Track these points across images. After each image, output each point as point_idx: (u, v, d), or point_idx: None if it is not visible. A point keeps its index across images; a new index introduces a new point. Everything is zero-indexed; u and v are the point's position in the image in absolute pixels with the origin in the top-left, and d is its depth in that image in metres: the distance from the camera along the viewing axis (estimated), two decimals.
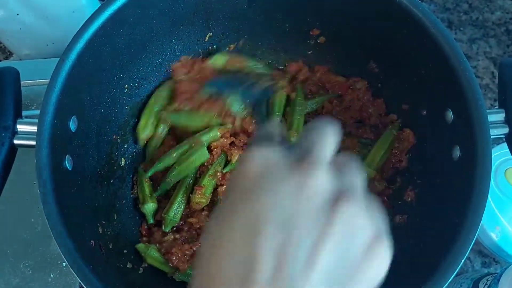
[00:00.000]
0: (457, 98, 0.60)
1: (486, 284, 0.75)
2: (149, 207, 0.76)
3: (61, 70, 0.59)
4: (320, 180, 0.31)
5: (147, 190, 0.77)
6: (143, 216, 0.77)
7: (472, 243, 0.53)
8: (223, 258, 0.30)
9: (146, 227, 0.77)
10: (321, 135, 0.35)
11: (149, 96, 0.81)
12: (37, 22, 0.95)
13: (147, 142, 0.81)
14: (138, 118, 0.81)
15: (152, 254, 0.71)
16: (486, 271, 0.86)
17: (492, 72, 1.06)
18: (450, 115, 0.63)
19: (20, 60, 1.07)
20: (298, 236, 0.29)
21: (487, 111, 0.58)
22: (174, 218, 0.75)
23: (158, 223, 0.77)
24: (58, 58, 0.96)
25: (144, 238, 0.76)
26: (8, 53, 1.12)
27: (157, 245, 0.72)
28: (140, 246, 0.73)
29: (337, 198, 0.31)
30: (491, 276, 0.75)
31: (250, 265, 0.29)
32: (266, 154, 0.34)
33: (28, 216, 0.83)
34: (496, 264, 0.87)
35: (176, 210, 0.75)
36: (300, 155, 0.33)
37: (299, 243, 0.29)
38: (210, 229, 0.33)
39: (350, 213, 0.31)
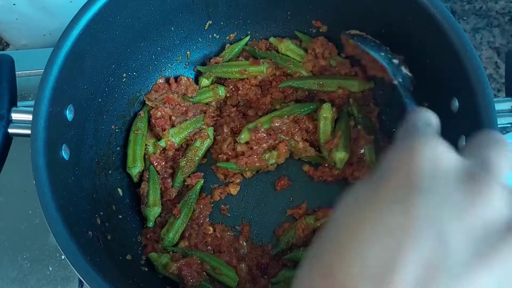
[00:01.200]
0: (463, 87, 0.59)
1: None
2: (155, 211, 0.74)
3: (56, 57, 0.58)
4: (497, 203, 0.28)
5: (158, 192, 0.75)
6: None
7: None
8: (362, 251, 0.27)
9: (148, 236, 0.74)
10: (499, 152, 0.32)
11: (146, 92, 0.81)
12: (34, 12, 0.94)
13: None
14: (135, 114, 0.80)
15: (164, 262, 0.69)
16: None
17: (496, 62, 1.05)
18: (455, 104, 0.62)
19: (17, 50, 1.06)
20: (455, 255, 0.26)
21: (494, 99, 0.56)
22: (172, 240, 0.73)
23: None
24: (45, 49, 0.97)
25: (149, 245, 0.73)
26: (5, 44, 1.11)
27: (170, 253, 0.71)
28: (153, 255, 0.70)
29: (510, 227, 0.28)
30: None
31: (393, 267, 0.26)
32: (439, 152, 0.31)
33: (26, 208, 0.82)
34: None
35: (175, 231, 0.73)
36: (472, 167, 0.30)
37: (453, 262, 0.26)
38: (349, 211, 0.30)
39: None
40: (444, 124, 0.65)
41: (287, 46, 0.83)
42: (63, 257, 0.80)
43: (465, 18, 1.09)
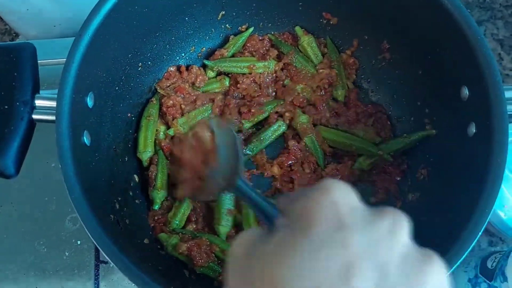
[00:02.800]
0: (474, 75, 0.61)
1: (494, 261, 0.76)
2: (161, 194, 0.76)
3: (79, 45, 0.59)
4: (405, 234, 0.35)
5: (166, 176, 0.77)
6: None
7: (490, 216, 0.54)
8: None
9: (155, 218, 0.76)
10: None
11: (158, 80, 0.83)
12: (45, 3, 0.95)
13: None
14: (147, 101, 0.81)
15: (173, 243, 0.71)
16: (492, 250, 0.87)
17: (499, 54, 1.07)
18: (465, 92, 0.63)
19: (27, 40, 1.07)
20: (395, 280, 0.31)
21: (504, 87, 0.58)
22: (179, 224, 0.74)
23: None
24: (66, 39, 0.98)
25: (157, 226, 0.75)
26: (14, 34, 1.12)
27: (180, 234, 0.72)
28: (162, 236, 0.72)
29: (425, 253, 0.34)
30: (499, 254, 0.76)
31: None
32: (349, 191, 0.36)
33: (41, 195, 0.84)
34: (502, 243, 0.88)
35: (181, 215, 0.74)
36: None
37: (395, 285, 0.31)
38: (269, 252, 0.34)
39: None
40: (454, 111, 0.67)
41: (309, 42, 0.85)
42: (79, 242, 0.82)
43: (469, 10, 1.10)
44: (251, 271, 0.34)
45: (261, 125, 0.83)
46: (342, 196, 0.35)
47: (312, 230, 0.33)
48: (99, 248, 0.52)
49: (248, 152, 0.80)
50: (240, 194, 0.51)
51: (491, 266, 0.76)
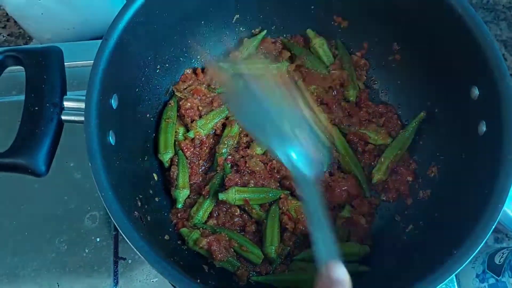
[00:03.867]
0: (484, 75, 0.63)
1: (502, 257, 0.78)
2: (184, 193, 0.78)
3: (105, 48, 0.62)
4: None
5: (187, 175, 0.79)
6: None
7: (501, 212, 0.56)
8: None
9: (178, 215, 0.78)
10: None
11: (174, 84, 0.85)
12: (59, 7, 0.97)
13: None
14: (165, 103, 0.84)
15: (194, 237, 0.73)
16: (499, 246, 0.89)
17: (503, 55, 1.09)
18: (475, 91, 0.66)
19: (41, 44, 1.09)
20: None
21: None
22: (202, 219, 0.76)
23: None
24: (82, 42, 1.00)
25: (179, 222, 0.77)
26: (28, 38, 1.14)
27: (200, 230, 0.75)
28: (184, 231, 0.75)
29: None
30: (507, 250, 0.78)
31: None
32: None
33: (61, 194, 0.86)
34: (508, 240, 0.90)
35: (204, 210, 0.77)
36: None
37: None
38: None
39: None
40: (464, 111, 0.70)
41: (321, 44, 0.88)
42: (98, 239, 0.84)
43: None
44: None
45: None
46: None
47: None
48: (129, 242, 0.54)
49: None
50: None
51: (499, 262, 0.78)
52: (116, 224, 0.54)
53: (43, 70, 0.60)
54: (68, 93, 0.64)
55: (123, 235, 0.54)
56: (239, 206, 0.79)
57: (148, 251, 0.54)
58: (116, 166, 0.64)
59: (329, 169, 0.81)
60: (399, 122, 0.84)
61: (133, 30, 0.66)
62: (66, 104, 0.62)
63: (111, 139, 0.63)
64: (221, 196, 0.75)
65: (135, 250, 0.54)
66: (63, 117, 0.61)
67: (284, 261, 0.76)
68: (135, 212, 0.64)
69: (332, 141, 0.82)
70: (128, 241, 0.54)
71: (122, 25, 0.64)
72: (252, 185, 0.77)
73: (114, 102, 0.65)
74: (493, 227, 0.55)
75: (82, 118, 0.59)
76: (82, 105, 0.60)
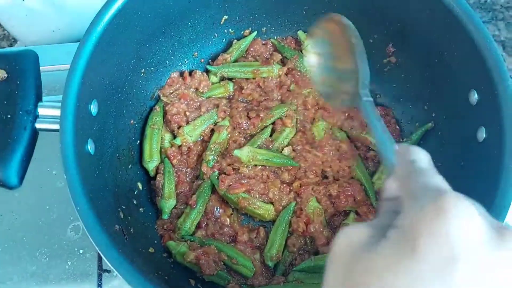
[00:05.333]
0: (483, 79, 0.60)
1: None
2: (170, 203, 0.75)
3: (83, 51, 0.58)
4: None
5: (173, 184, 0.76)
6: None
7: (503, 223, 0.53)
8: None
9: (164, 226, 0.75)
10: None
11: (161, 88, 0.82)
12: (43, 8, 0.94)
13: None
14: (150, 108, 0.80)
15: (182, 251, 0.70)
16: None
17: (502, 56, 1.06)
18: (474, 96, 0.63)
19: (26, 46, 1.06)
20: None
21: None
22: (189, 230, 0.73)
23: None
24: (66, 44, 0.97)
25: (165, 234, 0.74)
26: (12, 40, 1.10)
27: (188, 242, 0.71)
28: (171, 244, 0.71)
29: None
30: None
31: None
32: (473, 215, 0.31)
33: (43, 204, 0.82)
34: None
35: (192, 221, 0.73)
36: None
37: None
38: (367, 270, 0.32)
39: None
40: (463, 116, 0.67)
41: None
42: (81, 251, 0.80)
43: None
44: (353, 275, 0.33)
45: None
46: (460, 227, 0.30)
47: (420, 256, 0.30)
48: (105, 258, 0.50)
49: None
50: (365, 113, 0.49)
51: None
52: (92, 240, 0.51)
53: (16, 75, 0.57)
54: (48, 97, 0.60)
55: (99, 252, 0.51)
56: (228, 216, 0.75)
57: (127, 269, 0.51)
58: (96, 176, 0.61)
59: None
60: (397, 127, 0.80)
61: (113, 32, 0.63)
62: (41, 111, 0.58)
63: (90, 148, 0.60)
64: (236, 152, 0.74)
65: (112, 268, 0.50)
66: (37, 126, 0.57)
67: (284, 272, 0.73)
68: (116, 225, 0.60)
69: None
70: (104, 258, 0.50)
71: (101, 27, 0.61)
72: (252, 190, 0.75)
73: (93, 109, 0.62)
74: None
75: (58, 126, 0.55)
76: (57, 112, 0.56)
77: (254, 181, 0.75)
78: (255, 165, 0.77)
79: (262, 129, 0.81)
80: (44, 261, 0.80)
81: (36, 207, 0.82)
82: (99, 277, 0.79)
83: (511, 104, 0.57)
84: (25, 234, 0.81)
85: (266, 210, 0.74)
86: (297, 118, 0.81)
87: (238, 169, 0.76)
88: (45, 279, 0.78)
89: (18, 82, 0.57)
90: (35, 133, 0.58)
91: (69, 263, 0.79)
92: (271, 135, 0.81)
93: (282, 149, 0.79)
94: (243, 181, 0.74)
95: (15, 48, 1.05)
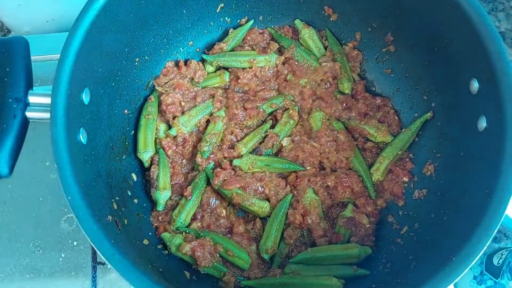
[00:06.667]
0: (484, 67, 0.59)
1: (501, 258, 0.74)
2: (165, 194, 0.74)
3: (73, 39, 0.57)
4: None
5: (168, 175, 0.75)
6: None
7: (504, 215, 0.52)
8: None
9: (159, 218, 0.74)
10: None
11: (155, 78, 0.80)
12: None
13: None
14: (145, 98, 0.79)
15: (177, 243, 0.69)
16: (497, 246, 0.86)
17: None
18: (475, 84, 0.61)
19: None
20: None
21: None
22: (184, 222, 0.72)
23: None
24: (60, 33, 0.96)
25: (160, 226, 0.73)
26: (6, 30, 1.09)
27: (183, 234, 0.70)
28: (165, 235, 0.70)
29: None
30: (506, 250, 0.75)
31: None
32: None
33: (36, 195, 0.81)
34: (507, 239, 0.87)
35: (187, 213, 0.72)
36: None
37: None
38: None
39: None
40: (463, 105, 0.65)
41: (311, 35, 0.83)
42: (75, 243, 0.79)
43: None
44: None
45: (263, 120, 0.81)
46: None
47: None
48: (97, 250, 0.49)
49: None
50: None
51: (498, 263, 0.74)
52: (83, 231, 0.50)
53: (6, 62, 0.56)
54: (37, 88, 0.59)
55: (91, 243, 0.50)
56: (225, 207, 0.74)
57: (119, 260, 0.49)
58: (88, 166, 0.60)
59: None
60: (396, 118, 0.79)
61: (105, 20, 0.61)
62: (32, 99, 0.57)
63: (82, 138, 0.59)
64: (236, 161, 0.73)
65: (104, 259, 0.49)
66: (28, 114, 0.56)
67: (280, 264, 0.72)
68: (109, 216, 0.59)
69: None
70: (96, 249, 0.49)
71: (93, 14, 0.59)
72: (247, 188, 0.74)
73: (85, 97, 0.60)
74: (494, 232, 0.51)
75: (49, 115, 0.54)
76: (48, 100, 0.55)
77: (250, 179, 0.74)
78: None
79: (262, 122, 0.80)
80: (37, 253, 0.79)
81: (29, 199, 0.81)
82: (94, 269, 0.78)
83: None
84: (18, 226, 0.80)
85: (260, 208, 0.73)
86: (294, 109, 0.79)
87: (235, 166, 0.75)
88: (39, 272, 0.78)
89: (7, 69, 0.55)
90: (25, 121, 0.56)
91: (63, 255, 0.78)
92: (273, 127, 0.79)
93: (282, 140, 0.78)
94: (239, 178, 0.73)
95: (4, 37, 1.03)
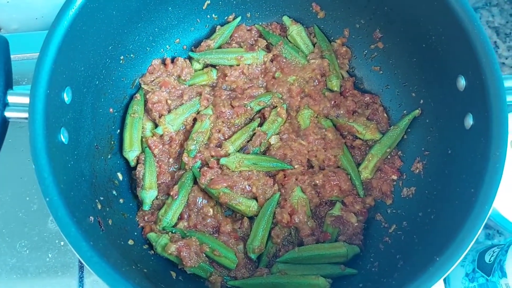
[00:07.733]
0: (471, 64, 0.58)
1: (492, 256, 0.74)
2: (151, 194, 0.73)
3: (53, 37, 0.56)
4: None
5: (155, 174, 0.74)
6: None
7: (489, 213, 0.51)
8: None
9: (145, 218, 0.73)
10: None
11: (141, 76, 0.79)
12: None
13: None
14: (131, 97, 0.78)
15: (163, 243, 0.68)
16: (490, 243, 0.85)
17: (495, 42, 1.04)
18: (462, 81, 0.61)
19: (9, 33, 1.04)
20: None
21: (503, 76, 0.55)
22: (170, 221, 0.71)
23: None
24: (44, 31, 0.94)
25: (146, 226, 0.72)
26: None
27: (169, 234, 0.70)
28: (151, 236, 0.69)
29: None
30: (497, 248, 0.74)
31: None
32: None
33: (23, 195, 0.81)
34: (500, 236, 0.86)
35: (173, 212, 0.71)
36: None
37: None
38: None
39: None
40: (450, 102, 0.65)
41: (299, 31, 0.82)
42: (62, 243, 0.79)
43: None
44: None
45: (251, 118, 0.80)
46: None
47: None
48: (75, 252, 0.49)
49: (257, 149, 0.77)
50: None
51: (489, 261, 0.74)
52: (61, 233, 0.49)
53: None
54: (20, 87, 0.58)
55: (68, 244, 0.49)
56: (212, 206, 0.74)
57: (97, 262, 0.49)
58: (70, 166, 0.59)
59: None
60: (385, 115, 0.78)
61: (87, 17, 0.60)
62: (11, 99, 0.56)
63: (63, 137, 0.58)
64: (223, 160, 0.72)
65: (82, 261, 0.48)
66: (7, 114, 0.55)
67: (268, 263, 0.71)
68: (91, 217, 0.58)
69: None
70: (74, 251, 0.49)
71: (74, 12, 0.58)
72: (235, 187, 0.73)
73: (67, 96, 0.59)
74: (479, 231, 0.50)
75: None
76: (28, 100, 0.54)
77: (238, 178, 0.73)
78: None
79: (250, 120, 0.79)
80: (24, 253, 0.78)
81: (16, 199, 0.81)
82: (80, 269, 0.77)
83: (498, 89, 0.54)
84: (5, 226, 0.79)
85: (247, 207, 0.73)
86: (282, 106, 0.78)
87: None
88: (25, 272, 0.77)
89: None
90: (4, 121, 0.55)
91: (50, 255, 0.78)
92: (260, 125, 0.79)
93: (270, 138, 0.77)
94: (226, 177, 0.73)
95: None
